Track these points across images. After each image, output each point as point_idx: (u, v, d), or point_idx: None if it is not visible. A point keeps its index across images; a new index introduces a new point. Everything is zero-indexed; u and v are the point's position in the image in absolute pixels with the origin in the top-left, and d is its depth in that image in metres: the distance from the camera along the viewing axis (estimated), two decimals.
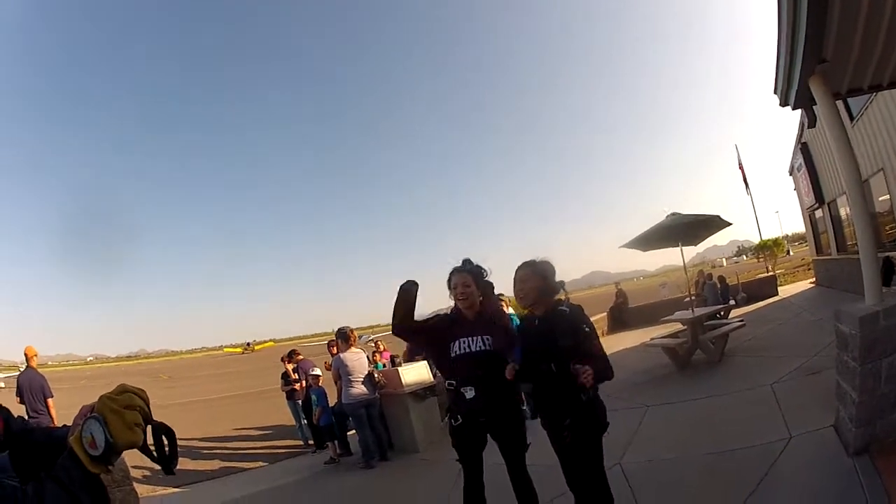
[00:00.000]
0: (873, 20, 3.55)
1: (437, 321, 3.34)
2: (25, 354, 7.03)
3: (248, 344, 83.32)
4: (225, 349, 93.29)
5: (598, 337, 2.89)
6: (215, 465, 7.62)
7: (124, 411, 1.12)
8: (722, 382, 6.64)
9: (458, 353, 3.15)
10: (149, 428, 1.19)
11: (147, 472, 7.19)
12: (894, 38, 3.87)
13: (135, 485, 4.09)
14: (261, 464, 7.44)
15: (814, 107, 4.10)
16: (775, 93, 4.41)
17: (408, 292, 3.11)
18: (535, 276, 2.96)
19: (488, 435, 3.22)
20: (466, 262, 3.32)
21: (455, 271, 3.27)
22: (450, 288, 3.27)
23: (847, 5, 3.31)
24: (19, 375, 7.16)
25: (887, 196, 8.67)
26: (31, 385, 6.83)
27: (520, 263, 3.06)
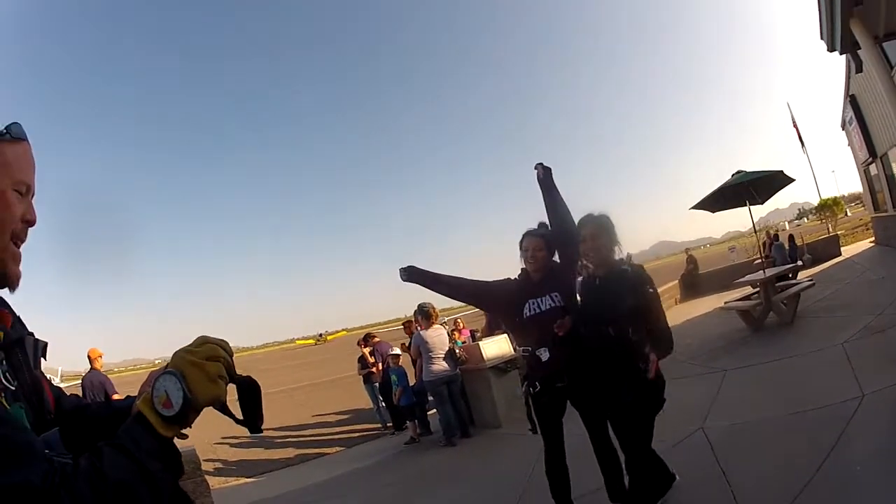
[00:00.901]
0: None
1: (501, 283, 3.32)
2: (89, 356, 6.74)
3: (321, 335, 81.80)
4: (297, 341, 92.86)
5: (660, 302, 2.78)
6: (290, 453, 7.64)
7: (206, 363, 1.00)
8: (795, 343, 6.58)
9: (528, 314, 3.09)
10: (230, 388, 1.08)
11: (219, 465, 7.32)
12: None
13: (206, 477, 4.04)
14: (338, 449, 7.47)
15: (858, 52, 4.02)
16: (822, 38, 4.32)
17: (411, 276, 3.15)
18: (604, 232, 2.85)
19: (568, 402, 3.17)
20: (542, 224, 3.28)
21: (527, 234, 3.23)
22: (521, 250, 3.23)
23: None
24: (83, 377, 6.87)
25: None
26: (93, 384, 6.55)
27: (581, 218, 2.97)
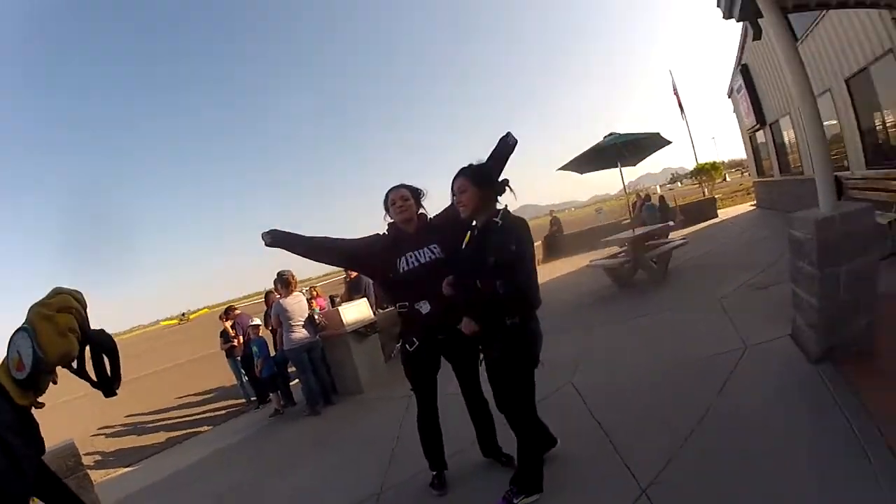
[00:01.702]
0: None
1: (372, 240, 3.18)
2: None
3: (184, 314, 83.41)
4: (162, 323, 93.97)
5: (530, 259, 2.69)
6: (161, 437, 7.47)
7: (56, 315, 0.93)
8: (668, 299, 6.70)
9: (406, 268, 3.01)
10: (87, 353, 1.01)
11: (98, 457, 7.14)
12: None
13: (87, 471, 3.84)
14: (206, 428, 7.29)
15: (759, 20, 3.97)
16: (718, 6, 4.26)
17: (275, 240, 3.00)
18: (472, 185, 2.74)
19: (442, 358, 3.14)
20: (402, 184, 3.20)
21: (390, 189, 3.17)
22: (386, 207, 3.15)
23: None
24: None
25: (835, 121, 8.66)
26: None
27: (458, 170, 2.84)
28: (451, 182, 2.84)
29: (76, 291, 1.03)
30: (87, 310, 1.04)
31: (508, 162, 3.17)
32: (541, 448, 3.00)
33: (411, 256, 3.02)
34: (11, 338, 0.94)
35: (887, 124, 7.23)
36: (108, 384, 1.07)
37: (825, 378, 3.25)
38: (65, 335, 0.94)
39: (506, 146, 3.13)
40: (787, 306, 4.09)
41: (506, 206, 2.83)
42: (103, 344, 1.05)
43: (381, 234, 3.21)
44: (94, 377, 1.05)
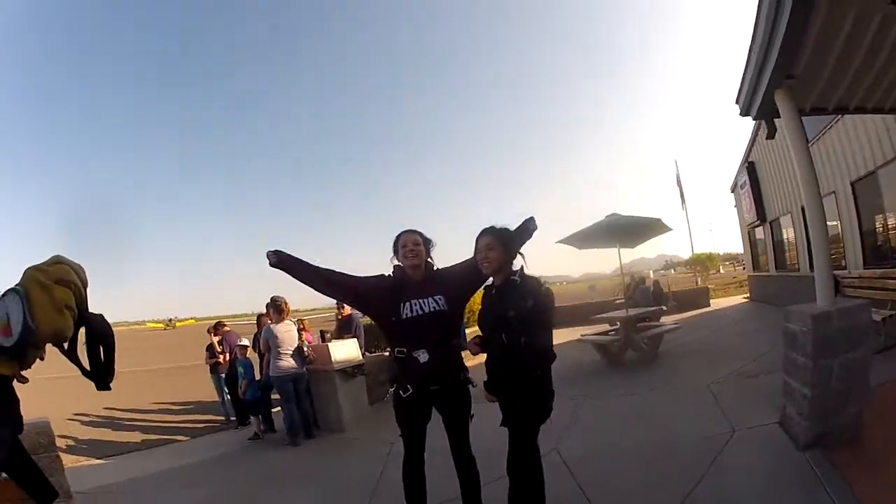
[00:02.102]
0: (851, 45, 3.65)
1: (377, 280, 3.18)
2: None
3: (170, 320, 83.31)
4: (148, 324, 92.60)
5: (546, 311, 2.84)
6: (136, 437, 7.37)
7: (55, 286, 0.86)
8: (657, 380, 6.75)
9: (409, 314, 2.99)
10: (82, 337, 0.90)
11: (71, 442, 7.03)
12: (869, 66, 4.01)
13: (59, 454, 3.81)
14: (182, 438, 7.21)
15: (775, 120, 4.21)
16: (737, 102, 4.49)
17: (281, 261, 3.00)
18: (499, 244, 2.88)
19: (433, 408, 3.13)
20: (414, 229, 3.21)
21: (403, 232, 3.16)
22: (395, 249, 3.15)
23: (828, 27, 3.38)
24: None
25: (836, 222, 8.93)
26: None
27: (482, 230, 2.95)
28: (476, 239, 2.93)
29: (78, 265, 0.94)
30: (88, 289, 0.95)
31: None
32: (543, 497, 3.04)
33: (415, 304, 3.01)
34: (2, 296, 0.86)
35: (889, 227, 7.48)
36: (101, 375, 0.98)
37: (813, 464, 3.32)
38: (61, 311, 0.87)
39: (528, 228, 3.21)
40: (777, 395, 4.17)
41: (522, 266, 2.93)
42: (101, 330, 0.96)
43: (387, 275, 3.18)
44: (86, 365, 0.97)
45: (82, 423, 8.55)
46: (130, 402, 10.27)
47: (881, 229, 7.77)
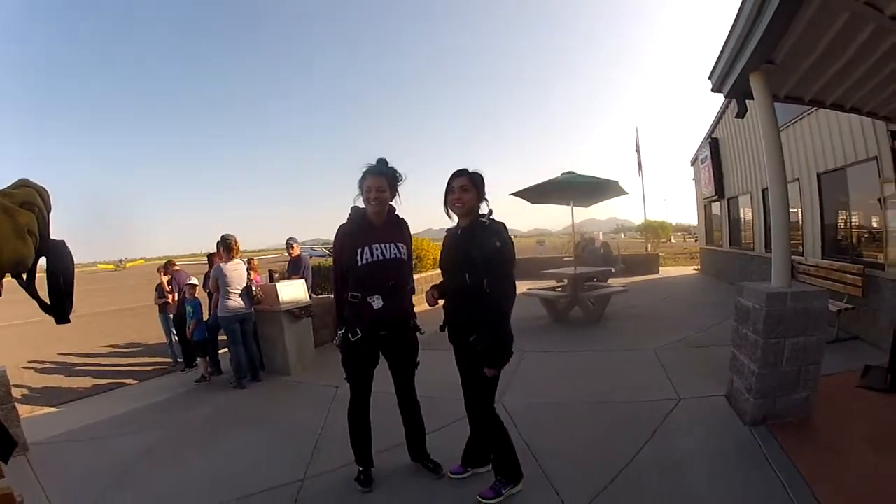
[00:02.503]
0: (839, 45, 3.67)
1: (340, 235, 3.08)
2: None
3: (120, 261, 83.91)
4: (99, 265, 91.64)
5: (512, 258, 2.82)
6: (87, 382, 7.30)
7: (18, 210, 0.79)
8: (602, 340, 6.90)
9: (369, 259, 2.94)
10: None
11: (25, 391, 6.96)
12: (853, 68, 4.06)
13: (15, 404, 3.81)
14: (131, 381, 7.16)
15: (747, 101, 4.24)
16: (710, 78, 4.50)
17: None
18: (473, 187, 2.86)
19: (380, 353, 3.13)
20: (382, 162, 3.04)
21: (369, 172, 3.00)
22: (360, 189, 3.03)
23: (817, 23, 3.38)
24: None
25: (797, 209, 9.02)
26: None
27: (456, 170, 2.90)
28: (450, 179, 2.87)
29: (43, 188, 0.88)
30: (52, 214, 0.89)
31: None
32: (508, 439, 3.06)
33: (376, 248, 2.96)
34: None
35: (851, 224, 7.62)
36: (60, 309, 0.92)
37: (758, 439, 3.47)
38: (23, 237, 0.80)
39: None
40: (723, 369, 4.31)
41: (490, 210, 2.93)
42: (63, 259, 0.90)
43: (346, 223, 3.09)
44: (44, 298, 0.90)
45: (36, 370, 8.45)
46: (83, 346, 10.13)
47: (843, 225, 7.91)
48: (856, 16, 3.31)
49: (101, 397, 6.50)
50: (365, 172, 3.01)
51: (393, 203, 3.13)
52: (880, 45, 3.69)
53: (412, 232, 3.24)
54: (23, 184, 0.86)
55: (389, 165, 3.06)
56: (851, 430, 3.57)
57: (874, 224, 6.89)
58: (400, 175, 3.10)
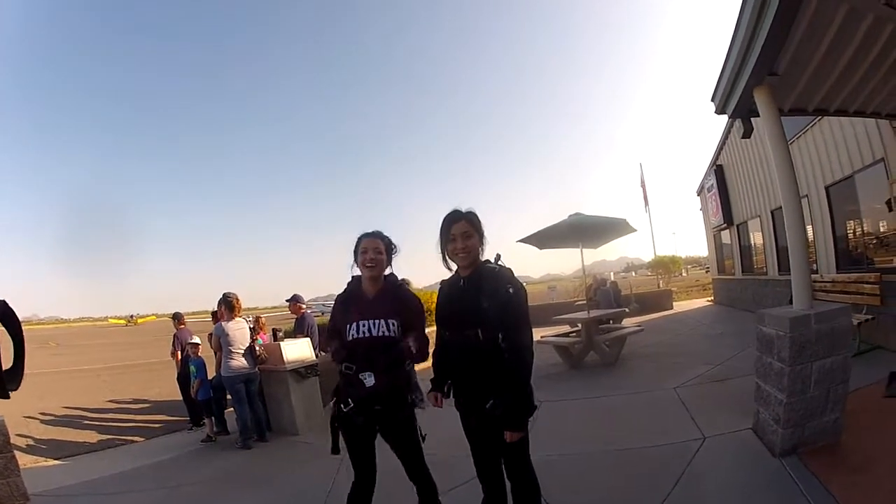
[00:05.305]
0: (839, 43, 3.60)
1: (337, 304, 2.94)
2: None
3: (132, 317, 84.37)
4: (110, 320, 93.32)
5: (525, 303, 2.50)
6: (93, 437, 7.21)
7: None
8: (620, 383, 6.69)
9: (355, 336, 2.75)
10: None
11: (30, 441, 6.89)
12: (856, 66, 3.97)
13: (16, 453, 3.58)
14: (138, 438, 7.06)
15: (752, 119, 4.15)
16: (713, 100, 4.41)
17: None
18: (475, 231, 2.57)
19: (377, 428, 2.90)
20: (378, 232, 2.93)
21: (365, 235, 2.88)
22: (356, 254, 2.87)
23: (816, 22, 3.33)
24: None
25: (809, 226, 8.95)
26: None
27: (449, 212, 2.61)
28: (447, 225, 2.60)
29: None
30: None
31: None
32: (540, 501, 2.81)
33: (363, 325, 2.75)
34: None
35: (863, 232, 7.51)
36: (1, 378, 0.81)
37: (791, 471, 3.27)
38: None
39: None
40: (748, 400, 4.11)
41: (498, 255, 2.65)
42: (6, 321, 0.80)
43: (340, 295, 2.96)
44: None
45: (42, 421, 8.37)
46: (89, 401, 10.07)
47: (853, 235, 7.81)
48: (854, 8, 3.26)
49: (106, 452, 6.44)
50: (360, 236, 2.90)
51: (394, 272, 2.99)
52: (880, 36, 3.63)
53: (423, 284, 3.05)
54: None
55: (386, 235, 2.96)
56: (884, 447, 3.40)
57: (884, 229, 6.81)
58: (395, 246, 2.98)
